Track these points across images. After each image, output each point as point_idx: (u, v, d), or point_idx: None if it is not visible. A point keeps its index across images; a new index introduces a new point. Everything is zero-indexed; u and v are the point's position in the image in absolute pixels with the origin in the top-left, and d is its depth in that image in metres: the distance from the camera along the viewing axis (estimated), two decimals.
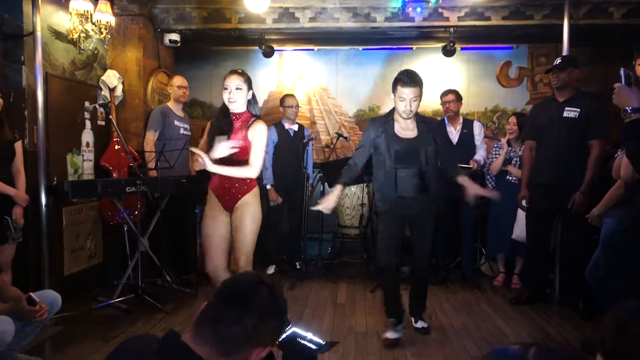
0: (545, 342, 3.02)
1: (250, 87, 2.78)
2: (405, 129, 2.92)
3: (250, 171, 2.72)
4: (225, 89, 2.72)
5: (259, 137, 2.74)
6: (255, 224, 2.81)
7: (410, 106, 2.81)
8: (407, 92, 2.79)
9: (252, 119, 2.77)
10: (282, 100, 4.75)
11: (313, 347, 1.28)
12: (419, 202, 2.92)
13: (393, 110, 2.95)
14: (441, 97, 4.36)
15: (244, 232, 2.76)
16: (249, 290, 1.12)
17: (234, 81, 2.72)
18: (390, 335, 2.97)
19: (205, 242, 2.83)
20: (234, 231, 2.80)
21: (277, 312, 1.14)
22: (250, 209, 2.77)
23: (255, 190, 2.83)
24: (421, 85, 2.83)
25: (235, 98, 2.71)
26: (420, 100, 2.84)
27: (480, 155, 4.26)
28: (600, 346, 0.99)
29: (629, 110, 1.88)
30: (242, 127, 2.75)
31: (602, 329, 1.01)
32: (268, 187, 4.54)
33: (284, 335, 1.27)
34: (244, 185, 2.77)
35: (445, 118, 4.34)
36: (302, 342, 1.28)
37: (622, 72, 2.00)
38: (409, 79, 2.79)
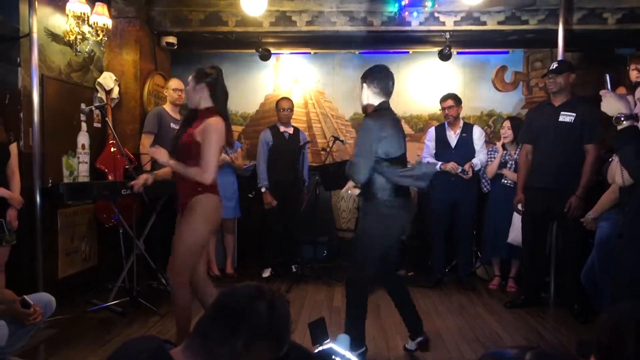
0: (541, 346, 3.02)
1: (199, 81, 2.55)
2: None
3: (198, 173, 2.46)
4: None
5: (208, 134, 2.46)
6: (190, 236, 2.51)
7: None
8: None
9: (209, 115, 2.54)
10: (276, 103, 4.76)
11: None
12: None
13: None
14: (440, 102, 4.35)
15: (176, 240, 2.55)
16: (243, 307, 1.06)
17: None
18: None
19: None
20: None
21: (273, 331, 1.07)
22: (190, 218, 2.52)
23: (202, 198, 2.53)
24: (364, 76, 2.70)
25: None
26: (363, 88, 2.70)
27: (478, 159, 4.27)
28: (595, 348, 0.99)
29: (621, 117, 1.89)
30: (198, 123, 2.55)
31: (596, 330, 1.02)
32: (263, 190, 4.54)
33: (320, 348, 1.20)
34: (189, 188, 2.55)
35: (446, 122, 4.36)
36: None
37: (607, 77, 2.01)
38: None
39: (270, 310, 1.07)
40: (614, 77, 2.03)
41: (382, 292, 4.13)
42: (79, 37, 3.87)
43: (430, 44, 5.10)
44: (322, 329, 1.21)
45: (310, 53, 5.66)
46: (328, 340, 1.21)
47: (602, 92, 1.97)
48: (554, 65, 3.60)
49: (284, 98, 4.84)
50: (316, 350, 1.20)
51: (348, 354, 1.21)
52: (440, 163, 4.22)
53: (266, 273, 4.67)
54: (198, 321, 1.10)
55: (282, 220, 4.65)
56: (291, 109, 4.75)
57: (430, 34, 4.77)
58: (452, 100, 4.27)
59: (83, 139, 4.06)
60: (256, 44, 4.96)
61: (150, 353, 1.06)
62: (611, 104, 1.93)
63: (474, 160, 4.23)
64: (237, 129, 5.65)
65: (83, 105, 4.02)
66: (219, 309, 1.08)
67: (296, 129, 4.80)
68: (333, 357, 1.20)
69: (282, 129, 4.69)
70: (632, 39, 4.68)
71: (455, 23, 4.53)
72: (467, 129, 4.33)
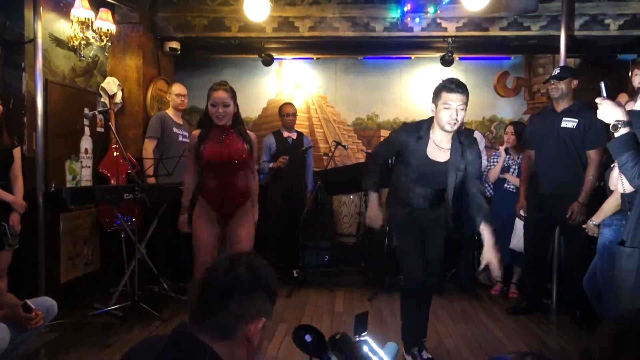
0: (541, 352, 3.01)
1: (235, 101, 2.90)
2: (439, 148, 2.63)
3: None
4: (213, 105, 2.82)
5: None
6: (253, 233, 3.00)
7: (457, 115, 2.51)
8: (453, 98, 2.51)
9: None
10: (280, 109, 4.78)
11: None
12: (431, 214, 2.78)
13: (428, 121, 2.68)
14: None
15: (248, 241, 2.93)
16: (226, 278, 1.15)
17: (222, 98, 2.82)
18: None
19: (201, 247, 2.89)
20: (233, 240, 2.89)
21: (259, 285, 1.17)
22: (249, 218, 2.96)
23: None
24: (468, 94, 2.57)
25: (223, 114, 2.83)
26: (466, 109, 2.57)
27: None
28: (597, 357, 0.99)
29: (619, 125, 1.89)
30: (234, 135, 2.94)
31: (598, 340, 1.01)
32: (266, 170, 4.54)
33: (358, 339, 1.27)
34: (246, 193, 2.94)
35: None
36: (371, 355, 1.24)
37: (602, 85, 2.01)
38: (456, 85, 2.53)
39: (249, 269, 1.17)
40: (608, 84, 2.03)
41: (384, 298, 4.14)
42: (83, 42, 3.90)
43: (432, 50, 5.11)
44: (364, 322, 1.29)
45: (312, 58, 5.67)
46: (365, 333, 1.28)
47: (598, 100, 1.98)
48: (556, 71, 3.60)
49: (287, 103, 4.85)
50: (355, 340, 1.27)
51: (381, 352, 1.27)
52: None
53: None
54: (191, 305, 1.16)
55: (284, 225, 4.65)
56: (295, 114, 4.77)
57: (433, 40, 4.78)
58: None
59: (86, 143, 4.07)
60: (259, 49, 4.98)
61: (172, 333, 1.16)
62: (608, 111, 1.93)
63: None
64: None
65: (86, 110, 4.04)
66: (205, 287, 1.17)
67: (300, 134, 4.81)
68: (365, 348, 1.26)
69: (285, 134, 4.70)
70: (635, 44, 4.69)
71: (458, 29, 4.54)
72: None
